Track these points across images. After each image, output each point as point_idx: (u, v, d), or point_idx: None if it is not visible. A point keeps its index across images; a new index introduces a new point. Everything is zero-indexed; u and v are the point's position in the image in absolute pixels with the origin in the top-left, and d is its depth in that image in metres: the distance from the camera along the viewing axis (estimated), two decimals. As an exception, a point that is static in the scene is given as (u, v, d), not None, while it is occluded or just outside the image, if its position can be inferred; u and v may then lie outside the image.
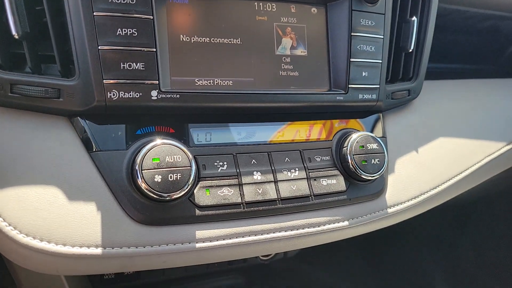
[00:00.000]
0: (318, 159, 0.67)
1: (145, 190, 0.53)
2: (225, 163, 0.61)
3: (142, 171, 0.53)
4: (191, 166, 0.56)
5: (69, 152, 0.56)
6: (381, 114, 0.79)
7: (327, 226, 0.65)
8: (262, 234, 0.61)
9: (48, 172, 0.53)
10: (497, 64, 1.19)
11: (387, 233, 1.81)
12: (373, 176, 0.68)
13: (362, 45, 0.70)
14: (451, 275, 1.71)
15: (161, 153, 0.55)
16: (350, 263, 1.89)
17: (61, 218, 0.52)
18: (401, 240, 1.78)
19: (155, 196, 0.53)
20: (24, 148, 0.54)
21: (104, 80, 0.54)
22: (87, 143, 0.56)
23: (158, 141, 0.56)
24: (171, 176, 0.54)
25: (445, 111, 0.89)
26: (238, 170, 0.61)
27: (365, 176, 0.67)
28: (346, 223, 0.67)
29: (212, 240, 0.58)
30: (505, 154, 0.91)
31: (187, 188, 0.55)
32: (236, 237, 0.59)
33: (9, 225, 0.50)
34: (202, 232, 0.57)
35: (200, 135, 0.62)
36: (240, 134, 0.65)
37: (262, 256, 1.02)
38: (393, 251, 1.81)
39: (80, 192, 0.54)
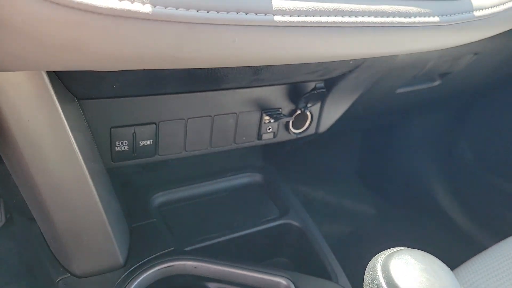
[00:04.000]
0: None
1: None
2: None
3: None
4: None
5: None
6: None
7: (418, 19, 0.52)
8: (349, 16, 0.46)
9: None
10: None
11: (383, 143, 1.76)
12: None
13: None
14: (449, 176, 1.69)
15: None
16: (346, 182, 1.86)
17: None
18: (398, 152, 1.74)
19: None
20: None
21: None
22: None
23: None
24: None
25: None
26: None
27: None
28: (436, 18, 0.54)
29: (292, 15, 0.42)
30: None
31: None
32: (320, 15, 0.44)
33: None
34: (279, 1, 0.42)
35: None
36: None
37: (293, 129, 0.88)
38: (391, 164, 1.77)
39: None
